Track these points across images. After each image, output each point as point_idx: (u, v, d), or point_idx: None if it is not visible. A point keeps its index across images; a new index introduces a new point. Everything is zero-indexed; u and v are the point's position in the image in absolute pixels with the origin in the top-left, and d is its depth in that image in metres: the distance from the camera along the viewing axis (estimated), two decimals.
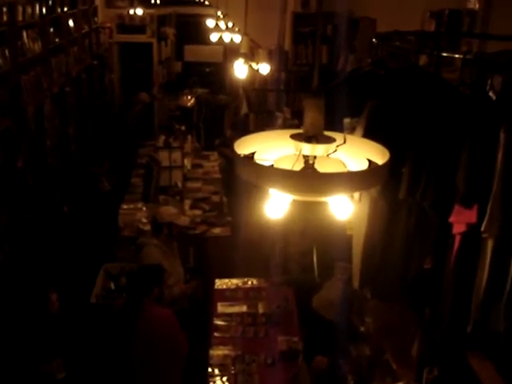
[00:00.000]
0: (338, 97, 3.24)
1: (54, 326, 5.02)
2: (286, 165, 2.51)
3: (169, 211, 5.69)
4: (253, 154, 2.61)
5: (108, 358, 5.16)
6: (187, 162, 8.51)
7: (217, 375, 4.77)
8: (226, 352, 5.06)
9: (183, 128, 9.30)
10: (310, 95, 2.46)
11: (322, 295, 5.56)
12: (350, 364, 4.19)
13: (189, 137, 9.29)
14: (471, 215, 2.61)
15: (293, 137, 2.52)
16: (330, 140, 2.50)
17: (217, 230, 7.08)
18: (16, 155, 5.97)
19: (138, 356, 4.41)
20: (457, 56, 3.07)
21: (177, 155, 7.85)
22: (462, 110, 2.70)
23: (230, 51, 12.01)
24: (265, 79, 10.74)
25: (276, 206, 2.58)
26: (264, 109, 10.95)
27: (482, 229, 2.58)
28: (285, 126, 8.79)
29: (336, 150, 2.54)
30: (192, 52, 13.58)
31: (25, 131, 6.24)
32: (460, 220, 2.67)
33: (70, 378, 5.64)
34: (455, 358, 2.97)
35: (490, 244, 2.65)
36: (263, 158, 2.59)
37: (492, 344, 2.77)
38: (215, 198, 7.82)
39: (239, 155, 2.47)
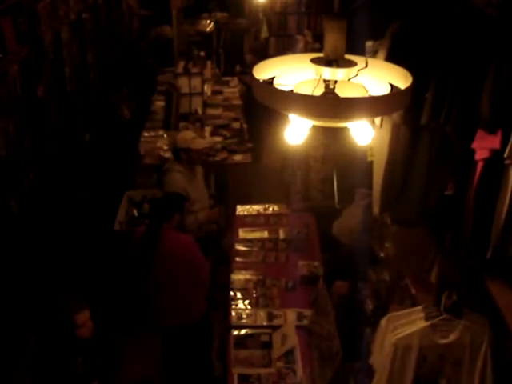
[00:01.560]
0: (360, 18, 3.15)
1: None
2: (306, 90, 2.47)
3: (185, 136, 5.63)
4: (272, 78, 2.57)
5: (130, 284, 5.29)
6: (207, 89, 8.40)
7: (239, 298, 4.87)
8: (247, 276, 5.14)
9: (202, 54, 9.14)
10: (331, 17, 2.40)
11: (341, 222, 5.59)
12: (370, 288, 4.24)
13: (208, 62, 9.14)
14: (495, 141, 2.56)
15: (313, 61, 2.47)
16: (352, 64, 2.45)
17: (238, 157, 7.05)
18: (36, 84, 5.94)
19: (158, 281, 4.49)
20: None
21: (196, 81, 7.75)
22: (487, 33, 2.61)
23: None
24: (285, 2, 10.49)
25: (296, 132, 2.56)
26: (285, 32, 10.74)
27: (505, 155, 2.54)
28: (306, 50, 8.62)
29: (357, 74, 2.49)
30: None
31: (43, 59, 6.17)
32: (483, 146, 2.62)
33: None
34: (474, 283, 2.98)
35: None
36: (283, 82, 2.55)
37: (511, 271, 2.77)
38: (236, 125, 7.75)
39: (258, 80, 2.43)
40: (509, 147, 2.51)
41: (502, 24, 2.62)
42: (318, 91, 2.45)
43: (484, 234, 2.78)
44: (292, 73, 2.59)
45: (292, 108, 2.35)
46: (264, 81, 2.49)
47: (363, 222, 5.16)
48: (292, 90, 2.47)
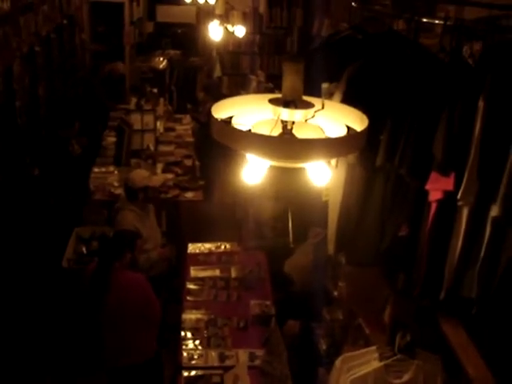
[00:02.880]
0: (316, 61, 3.20)
1: None
2: (264, 130, 2.48)
3: (141, 175, 5.60)
4: (230, 118, 2.57)
5: (79, 323, 5.15)
6: (160, 125, 8.39)
7: (189, 338, 4.78)
8: (198, 316, 5.06)
9: (155, 90, 9.15)
10: (289, 59, 2.42)
11: (294, 260, 5.60)
12: (323, 328, 4.24)
13: (161, 99, 9.15)
14: (448, 183, 2.62)
15: (271, 101, 2.49)
16: (309, 105, 2.48)
17: (189, 194, 7.02)
18: None
19: (109, 320, 4.39)
20: (437, 22, 3.05)
21: (149, 118, 7.73)
22: (440, 77, 2.69)
23: (203, 12, 11.81)
24: (238, 42, 10.61)
25: (253, 172, 2.56)
26: (237, 71, 10.85)
27: (458, 196, 2.60)
28: (259, 90, 8.72)
29: (314, 116, 2.51)
30: (164, 12, 13.33)
31: None
32: (436, 187, 2.68)
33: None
34: (428, 324, 3.01)
35: (465, 212, 2.68)
36: (241, 122, 2.56)
37: (464, 310, 2.81)
38: (188, 162, 7.73)
39: (217, 119, 2.42)
40: (462, 189, 2.57)
41: (453, 69, 2.71)
42: (276, 131, 2.46)
43: (437, 274, 2.81)
44: (250, 113, 2.60)
45: (250, 148, 2.35)
46: (222, 120, 2.49)
47: (315, 260, 5.18)
48: (250, 130, 2.47)
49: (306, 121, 2.51)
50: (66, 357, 5.57)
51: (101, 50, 11.16)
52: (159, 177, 5.88)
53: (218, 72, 10.82)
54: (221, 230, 7.33)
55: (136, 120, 7.62)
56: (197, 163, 7.67)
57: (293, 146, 2.31)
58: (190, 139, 8.59)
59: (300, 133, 2.48)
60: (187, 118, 9.37)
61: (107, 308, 4.34)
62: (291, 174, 4.97)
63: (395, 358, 3.04)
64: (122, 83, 9.72)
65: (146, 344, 4.58)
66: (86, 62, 11.16)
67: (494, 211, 2.57)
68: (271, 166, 2.55)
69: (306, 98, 2.54)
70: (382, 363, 3.04)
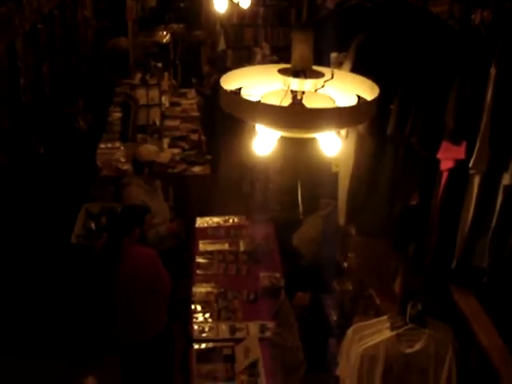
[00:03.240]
0: (325, 31, 3.16)
1: None
2: (274, 100, 2.46)
3: (148, 149, 5.61)
4: (239, 89, 2.55)
5: (90, 298, 5.18)
6: (165, 100, 8.36)
7: (200, 312, 4.82)
8: (208, 289, 5.09)
9: (160, 65, 9.09)
10: (299, 28, 2.39)
11: (302, 232, 5.59)
12: (334, 299, 4.25)
13: (166, 74, 9.10)
14: (459, 151, 2.60)
15: (280, 71, 2.46)
16: (319, 75, 2.45)
17: (196, 169, 7.02)
18: None
19: (120, 295, 4.42)
20: None
21: (154, 93, 7.71)
22: (451, 45, 2.65)
23: None
24: (242, 14, 10.52)
25: (263, 143, 2.54)
26: (242, 44, 10.77)
27: (470, 165, 2.58)
28: (264, 62, 8.65)
29: (324, 86, 2.49)
30: None
31: None
32: (448, 156, 2.66)
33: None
34: (439, 293, 3.01)
35: (476, 180, 2.66)
36: (250, 93, 2.54)
37: (475, 279, 2.81)
38: (194, 137, 7.71)
39: (226, 90, 2.40)
40: (473, 157, 2.55)
41: (463, 37, 2.67)
42: (286, 102, 2.44)
43: (448, 244, 2.81)
44: (259, 84, 2.57)
45: (260, 118, 2.33)
46: (232, 91, 2.47)
47: (324, 232, 5.17)
48: (259, 101, 2.45)
49: (315, 91, 2.49)
50: (79, 333, 5.62)
51: (103, 26, 11.07)
52: (167, 153, 5.87)
53: (222, 45, 10.75)
54: (228, 203, 7.36)
55: (141, 95, 7.61)
56: (203, 137, 7.66)
57: (303, 116, 2.29)
58: (196, 113, 8.56)
59: (310, 103, 2.46)
60: (192, 93, 9.33)
61: (118, 283, 4.36)
62: (299, 147, 4.97)
63: (406, 327, 3.04)
64: (126, 58, 9.64)
65: (158, 318, 4.62)
66: (88, 38, 11.08)
67: (506, 180, 2.56)
68: (281, 137, 2.54)
69: (315, 67, 2.51)
70: (394, 333, 3.05)
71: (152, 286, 4.44)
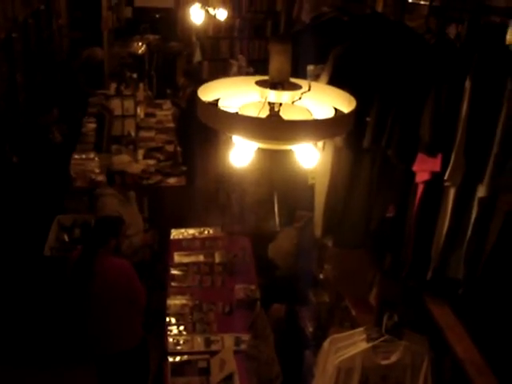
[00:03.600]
0: (301, 43, 3.18)
1: None
2: (251, 112, 2.46)
3: (121, 160, 5.58)
4: (217, 100, 2.55)
5: (64, 311, 5.11)
6: (140, 111, 8.31)
7: (174, 324, 4.78)
8: (183, 301, 5.06)
9: (135, 76, 9.05)
10: (276, 39, 2.40)
11: (277, 244, 5.59)
12: (310, 311, 4.25)
13: (141, 85, 9.06)
14: (435, 164, 2.62)
15: (258, 83, 2.46)
16: (297, 87, 2.45)
17: (172, 180, 6.99)
18: None
19: (95, 307, 4.37)
20: (422, 3, 3.04)
21: (129, 104, 7.66)
22: (427, 58, 2.68)
23: None
24: (218, 26, 10.54)
25: (241, 154, 2.54)
26: (218, 56, 10.78)
27: (446, 177, 2.60)
28: (240, 74, 8.67)
29: (301, 98, 2.49)
30: None
31: None
32: (424, 168, 2.68)
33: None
34: (415, 305, 3.03)
35: (452, 192, 2.69)
36: (228, 104, 2.53)
37: (451, 291, 2.83)
38: (169, 148, 7.68)
39: (203, 102, 2.39)
40: (449, 169, 2.58)
41: (439, 51, 2.70)
42: (263, 114, 2.44)
43: (424, 255, 2.83)
44: (236, 95, 2.57)
45: (237, 130, 2.32)
46: (209, 103, 2.46)
47: (300, 244, 5.18)
48: (237, 112, 2.45)
49: (293, 103, 2.49)
50: (54, 346, 5.54)
51: (79, 37, 11.02)
52: (139, 164, 5.83)
53: (198, 57, 10.76)
54: (204, 215, 7.32)
55: (116, 106, 7.55)
56: (178, 149, 7.63)
57: (280, 128, 2.29)
58: (171, 125, 8.53)
59: (287, 115, 2.46)
60: (167, 104, 9.30)
61: (93, 295, 4.31)
62: (275, 159, 4.97)
63: (383, 338, 3.05)
64: (100, 69, 9.59)
65: (133, 330, 4.57)
66: (63, 48, 11.01)
67: (481, 192, 2.59)
68: (257, 150, 2.54)
69: (292, 79, 2.52)
70: (370, 344, 3.06)
71: (127, 297, 4.40)
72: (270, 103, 2.45)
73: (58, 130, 7.37)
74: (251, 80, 2.53)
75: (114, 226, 4.52)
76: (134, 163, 5.66)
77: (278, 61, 2.41)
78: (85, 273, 4.27)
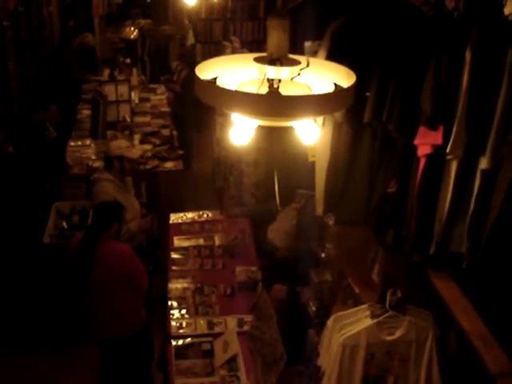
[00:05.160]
0: (297, 19, 3.15)
1: None
2: (251, 89, 2.44)
3: (118, 144, 5.54)
4: (214, 79, 2.52)
5: (66, 296, 5.11)
6: (134, 96, 8.27)
7: (176, 308, 4.79)
8: (184, 285, 5.06)
9: (128, 61, 9.00)
10: (274, 15, 2.37)
11: (276, 225, 5.58)
12: (312, 290, 4.24)
13: (134, 70, 9.01)
14: (437, 137, 2.60)
15: (256, 60, 2.44)
16: (295, 63, 2.43)
17: (168, 164, 6.96)
18: None
19: (98, 292, 4.37)
20: None
21: (123, 89, 7.61)
22: (426, 31, 2.65)
23: None
24: (211, 8, 10.46)
25: (240, 133, 2.51)
26: (211, 39, 10.72)
27: (447, 150, 2.58)
28: None
29: (300, 74, 2.47)
30: None
31: None
32: (425, 142, 2.66)
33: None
34: (418, 279, 3.02)
35: (454, 165, 2.67)
36: (226, 82, 2.50)
37: (455, 264, 2.82)
38: (165, 132, 7.65)
39: (201, 80, 2.37)
40: (450, 143, 2.56)
41: (438, 23, 2.67)
42: (263, 90, 2.41)
43: (427, 230, 2.81)
44: (235, 73, 2.54)
45: (237, 107, 2.30)
46: (207, 80, 2.43)
47: (299, 223, 5.17)
48: (236, 90, 2.42)
49: (291, 79, 2.47)
50: (54, 332, 5.55)
51: (71, 25, 10.91)
52: (137, 149, 5.78)
53: (191, 40, 10.68)
54: (202, 198, 7.32)
55: (110, 91, 7.50)
56: (174, 133, 7.59)
57: (280, 103, 2.27)
58: (166, 109, 8.49)
59: (287, 91, 2.44)
60: (161, 88, 9.27)
61: (95, 279, 4.31)
62: (275, 138, 4.95)
63: (387, 314, 3.04)
64: (92, 54, 9.53)
65: (136, 315, 4.58)
66: (55, 35, 10.91)
67: (483, 164, 2.57)
68: (258, 128, 2.52)
69: (291, 56, 2.49)
70: (374, 321, 3.04)
71: (129, 281, 4.40)
72: (268, 80, 2.43)
73: (53, 124, 7.32)
74: (249, 57, 2.50)
75: (116, 211, 4.51)
76: (132, 148, 5.63)
77: (276, 36, 2.38)
78: (87, 258, 4.26)
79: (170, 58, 10.74)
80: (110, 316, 4.43)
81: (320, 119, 2.98)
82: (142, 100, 8.67)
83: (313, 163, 3.34)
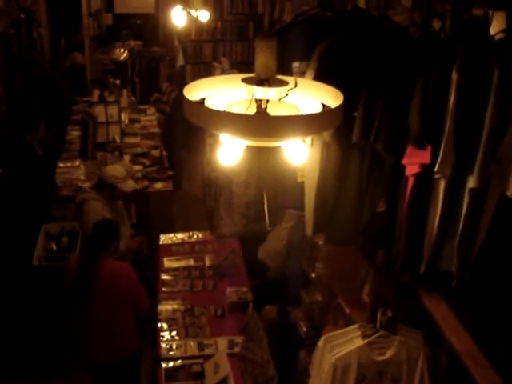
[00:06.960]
0: (285, 41, 3.16)
1: None
2: (239, 110, 2.44)
3: (113, 173, 5.45)
4: (203, 99, 2.52)
5: (55, 320, 5.07)
6: (124, 117, 8.27)
7: (166, 329, 4.74)
8: (174, 306, 5.02)
9: (118, 82, 9.03)
10: (262, 36, 2.38)
11: (267, 246, 5.58)
12: (302, 310, 4.23)
13: (124, 91, 9.04)
14: (425, 156, 2.61)
15: (244, 80, 2.44)
16: (283, 83, 2.44)
17: (159, 185, 6.94)
18: None
19: (96, 313, 4.31)
20: None
21: (113, 110, 7.62)
22: (413, 51, 2.68)
23: (163, 1, 11.69)
24: (200, 30, 10.53)
25: (229, 153, 2.51)
26: (201, 60, 10.77)
27: (435, 169, 2.59)
28: None
29: (288, 94, 2.48)
30: (123, 3, 13.16)
31: None
32: (413, 161, 2.67)
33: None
34: (409, 299, 3.01)
35: (442, 185, 2.67)
36: (214, 103, 2.51)
37: (444, 284, 2.82)
38: (155, 153, 7.65)
39: (190, 100, 2.37)
40: (439, 161, 2.56)
41: (424, 43, 2.70)
42: (251, 111, 2.42)
43: (417, 249, 2.81)
44: (223, 93, 2.55)
45: (225, 128, 2.30)
46: (195, 101, 2.44)
47: (289, 244, 5.16)
48: (224, 110, 2.43)
49: (279, 100, 2.48)
50: (44, 355, 5.49)
51: (62, 46, 10.95)
52: (131, 183, 5.65)
53: (181, 61, 10.74)
54: (192, 219, 7.31)
55: (100, 112, 7.51)
56: (164, 154, 7.59)
57: (268, 124, 2.27)
58: (156, 130, 8.50)
59: (275, 112, 2.44)
60: (151, 109, 9.28)
61: (95, 299, 4.25)
62: (264, 158, 4.95)
63: (377, 334, 3.04)
64: (82, 74, 9.55)
65: (133, 338, 4.53)
66: (45, 56, 10.93)
67: (472, 183, 2.58)
68: (247, 149, 2.52)
69: (279, 76, 2.50)
70: (365, 341, 3.04)
71: (129, 300, 4.37)
72: (257, 100, 2.44)
73: (41, 144, 7.31)
74: (237, 78, 2.51)
75: (113, 228, 4.49)
76: (128, 179, 5.55)
77: (264, 57, 2.39)
78: (89, 276, 4.23)
79: (161, 79, 10.78)
80: (110, 340, 4.37)
81: (308, 139, 2.99)
82: (131, 121, 8.67)
83: (302, 183, 3.34)
